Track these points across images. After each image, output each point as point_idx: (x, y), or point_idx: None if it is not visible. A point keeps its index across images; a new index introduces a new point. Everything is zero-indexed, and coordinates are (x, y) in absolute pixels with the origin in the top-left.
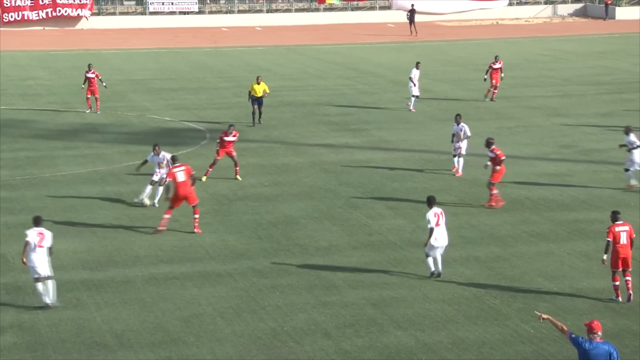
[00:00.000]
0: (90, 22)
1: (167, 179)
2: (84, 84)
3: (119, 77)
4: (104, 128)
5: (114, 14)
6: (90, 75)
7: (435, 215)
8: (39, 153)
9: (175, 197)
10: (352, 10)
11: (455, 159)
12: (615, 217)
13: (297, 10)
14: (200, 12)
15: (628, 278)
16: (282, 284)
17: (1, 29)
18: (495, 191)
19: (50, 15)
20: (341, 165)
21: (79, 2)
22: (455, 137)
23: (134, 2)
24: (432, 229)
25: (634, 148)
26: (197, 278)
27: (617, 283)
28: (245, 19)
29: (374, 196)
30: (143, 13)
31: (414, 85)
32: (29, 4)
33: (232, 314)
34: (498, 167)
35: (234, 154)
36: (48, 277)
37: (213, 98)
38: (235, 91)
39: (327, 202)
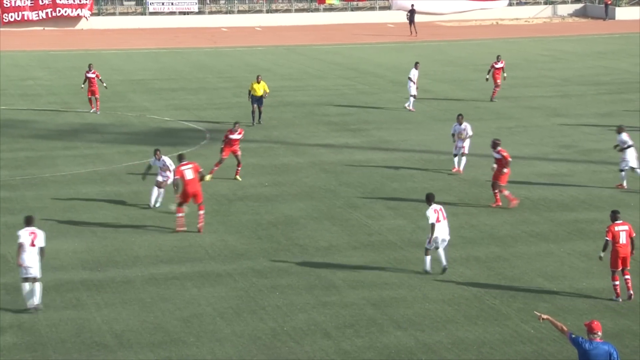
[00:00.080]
0: (90, 23)
1: (175, 177)
2: (83, 83)
3: (119, 78)
4: (104, 128)
5: (113, 14)
6: (90, 75)
7: (435, 212)
8: (38, 153)
9: (184, 195)
10: (352, 10)
11: (456, 158)
12: (614, 216)
13: (297, 11)
14: (200, 12)
15: (627, 277)
16: (282, 284)
17: (1, 29)
18: (506, 192)
19: (50, 16)
20: (341, 166)
21: (78, 3)
22: (457, 136)
23: (133, 3)
24: (433, 225)
25: (626, 147)
26: (197, 278)
27: (617, 283)
28: (245, 19)
29: (374, 196)
30: (143, 13)
31: (414, 84)
32: (29, 4)
33: (232, 314)
34: (505, 170)
35: (239, 153)
36: (36, 279)
37: (213, 98)
38: (235, 91)
39: (327, 202)
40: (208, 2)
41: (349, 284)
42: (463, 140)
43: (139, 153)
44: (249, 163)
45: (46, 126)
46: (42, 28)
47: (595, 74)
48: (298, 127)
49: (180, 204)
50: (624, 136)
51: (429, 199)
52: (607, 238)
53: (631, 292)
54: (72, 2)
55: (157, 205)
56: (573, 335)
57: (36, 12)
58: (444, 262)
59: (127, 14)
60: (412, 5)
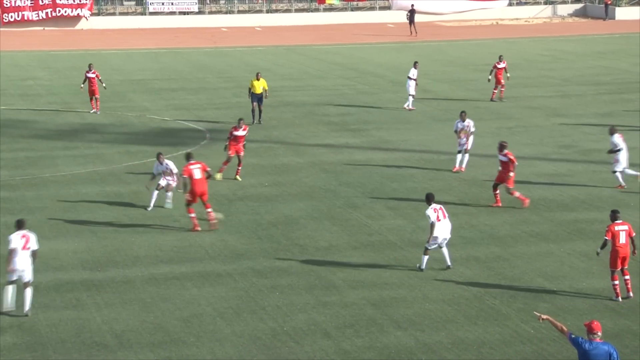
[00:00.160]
0: (90, 23)
1: (184, 176)
2: (83, 83)
3: (119, 78)
4: (104, 128)
5: (113, 14)
6: (90, 75)
7: (435, 211)
8: (38, 153)
9: (192, 194)
10: (352, 10)
11: (459, 155)
12: (614, 216)
13: (297, 11)
14: (200, 12)
15: (627, 277)
16: (282, 284)
17: (1, 29)
18: (517, 194)
19: (50, 16)
20: (341, 165)
21: (78, 2)
22: (462, 133)
23: (133, 3)
24: (432, 224)
25: (616, 151)
26: (197, 278)
27: (617, 282)
28: (245, 19)
29: (374, 196)
30: (143, 13)
31: (415, 82)
32: (29, 4)
33: (232, 314)
34: (512, 174)
35: (242, 153)
36: (28, 284)
37: (213, 98)
38: (235, 91)
39: (327, 202)
40: (208, 2)
41: (349, 284)
42: (467, 137)
43: (139, 153)
44: (249, 163)
45: (46, 126)
46: (42, 28)
47: (595, 74)
48: (298, 127)
49: (189, 204)
50: (616, 138)
51: (429, 199)
52: (607, 237)
53: (630, 293)
54: (72, 2)
55: (169, 206)
56: (573, 336)
57: (36, 12)
58: (448, 262)
59: (127, 14)
60: (412, 5)
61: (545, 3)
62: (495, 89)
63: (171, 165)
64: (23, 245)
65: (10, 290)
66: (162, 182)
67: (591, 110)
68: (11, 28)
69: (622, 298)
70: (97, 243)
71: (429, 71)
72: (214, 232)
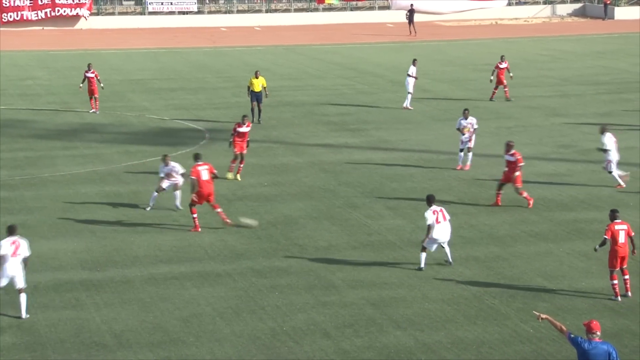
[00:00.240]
0: (89, 22)
1: (192, 177)
2: (82, 83)
3: (118, 77)
4: (103, 128)
5: (113, 14)
6: (89, 75)
7: (434, 213)
8: (37, 153)
9: (199, 195)
10: (351, 10)
11: (461, 154)
12: (613, 215)
13: (296, 10)
14: (199, 12)
15: (626, 277)
16: (282, 284)
17: (0, 29)
18: (525, 194)
19: (49, 15)
20: (340, 165)
21: (77, 2)
22: (462, 131)
23: (133, 2)
24: (429, 226)
25: (603, 151)
26: (196, 278)
27: (616, 282)
28: (244, 19)
29: (373, 196)
30: (142, 13)
31: (414, 79)
32: (28, 4)
33: (231, 314)
34: (517, 174)
35: (245, 152)
36: (20, 290)
37: (212, 98)
38: (234, 91)
39: (327, 202)
40: (207, 1)
41: (349, 283)
42: (470, 134)
43: (138, 153)
44: (248, 163)
45: (45, 126)
46: (41, 28)
47: (595, 74)
48: (297, 127)
49: (193, 204)
50: (607, 137)
51: (429, 201)
52: (606, 237)
53: (629, 293)
54: (71, 1)
55: (179, 207)
56: (572, 335)
57: (35, 12)
58: (449, 258)
59: (126, 13)
60: (412, 4)
61: (545, 3)
62: (495, 89)
63: (178, 167)
64: (13, 251)
65: None
66: (164, 184)
67: (590, 110)
68: (10, 28)
69: (621, 293)
70: (96, 243)
71: (428, 71)
72: (213, 232)
